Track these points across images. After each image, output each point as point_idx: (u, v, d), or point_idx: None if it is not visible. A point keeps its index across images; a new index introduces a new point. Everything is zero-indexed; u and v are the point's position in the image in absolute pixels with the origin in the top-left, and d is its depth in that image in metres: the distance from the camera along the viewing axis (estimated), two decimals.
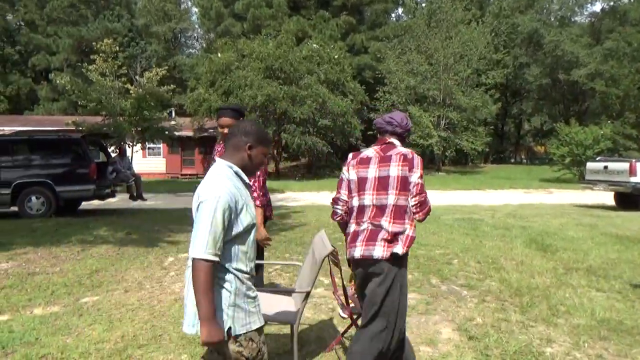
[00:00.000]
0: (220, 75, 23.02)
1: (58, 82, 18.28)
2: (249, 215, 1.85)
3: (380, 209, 2.35)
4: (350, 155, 2.56)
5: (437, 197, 12.70)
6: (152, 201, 12.02)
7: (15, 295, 4.26)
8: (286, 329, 3.36)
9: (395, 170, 2.36)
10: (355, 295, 3.07)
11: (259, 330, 1.90)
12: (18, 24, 41.45)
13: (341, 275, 2.91)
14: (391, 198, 2.34)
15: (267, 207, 3.46)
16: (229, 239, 1.80)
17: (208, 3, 35.64)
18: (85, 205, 10.90)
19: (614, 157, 14.49)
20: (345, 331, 3.22)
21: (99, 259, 5.68)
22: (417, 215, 2.37)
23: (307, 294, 2.72)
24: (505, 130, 43.03)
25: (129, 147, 17.03)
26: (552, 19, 36.49)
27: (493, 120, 31.79)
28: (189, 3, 45.90)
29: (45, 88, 38.22)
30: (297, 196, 14.34)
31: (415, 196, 2.35)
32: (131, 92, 17.05)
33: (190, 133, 25.10)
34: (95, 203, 11.02)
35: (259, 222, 3.15)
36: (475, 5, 31.94)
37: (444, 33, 24.90)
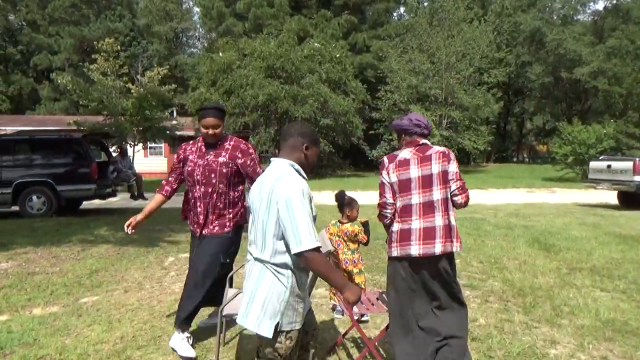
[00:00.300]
0: (221, 75, 22.99)
1: (59, 81, 18.18)
2: (313, 208, 1.95)
3: (429, 206, 2.46)
4: (386, 160, 2.61)
5: None
6: None
7: (14, 295, 4.24)
8: None
9: (436, 167, 2.48)
10: (377, 297, 3.06)
11: (299, 331, 1.95)
12: (20, 23, 41.51)
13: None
14: (436, 193, 2.47)
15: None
16: None
17: (209, 3, 35.64)
18: (86, 204, 10.89)
19: (617, 155, 14.39)
20: (346, 332, 3.19)
21: (99, 258, 5.66)
22: (458, 198, 2.50)
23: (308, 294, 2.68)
24: (508, 129, 42.94)
25: (131, 146, 16.98)
26: (555, 18, 36.38)
27: (495, 119, 31.65)
28: (191, 3, 46.00)
29: (46, 88, 38.29)
30: None
31: (456, 181, 2.50)
32: (132, 91, 16.99)
33: (191, 132, 25.02)
34: (96, 202, 11.01)
35: None
36: (478, 3, 31.82)
37: (446, 32, 24.80)
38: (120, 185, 10.82)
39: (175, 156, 3.25)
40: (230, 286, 3.14)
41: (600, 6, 61.64)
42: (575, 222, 8.63)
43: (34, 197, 9.19)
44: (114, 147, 14.27)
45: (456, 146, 24.80)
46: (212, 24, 36.57)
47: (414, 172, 2.50)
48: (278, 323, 1.85)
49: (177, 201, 3.57)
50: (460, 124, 24.73)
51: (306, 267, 1.86)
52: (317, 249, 1.81)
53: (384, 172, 2.57)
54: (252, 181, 3.08)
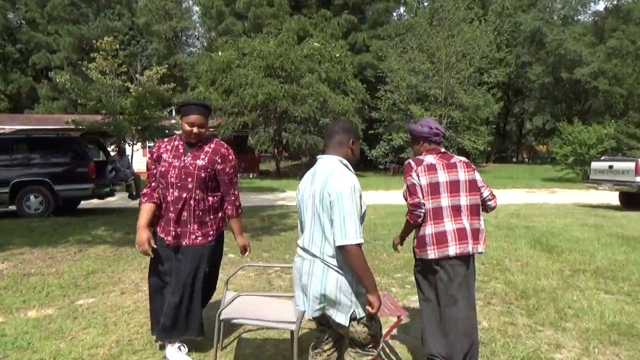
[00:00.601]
0: (220, 74, 22.92)
1: (58, 80, 18.15)
2: (363, 204, 2.03)
3: (457, 209, 2.61)
4: (412, 163, 2.69)
5: None
6: None
7: (9, 297, 4.17)
8: (286, 334, 3.27)
9: (463, 175, 2.65)
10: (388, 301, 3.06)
11: None
12: (19, 22, 41.41)
13: None
14: (463, 199, 2.62)
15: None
16: None
17: (209, 2, 35.54)
18: (84, 204, 10.82)
19: (618, 156, 14.34)
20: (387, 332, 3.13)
21: (95, 259, 5.59)
22: (492, 203, 2.73)
23: None
24: (507, 130, 42.91)
25: (129, 146, 16.92)
26: (555, 18, 36.31)
27: (495, 119, 31.58)
28: (190, 2, 45.95)
29: (45, 86, 38.18)
30: None
31: (487, 187, 2.73)
32: (131, 90, 16.93)
33: None
34: (94, 202, 10.93)
35: (237, 230, 3.07)
36: (478, 4, 31.71)
37: (446, 32, 24.71)
38: (119, 185, 10.75)
39: (149, 155, 2.96)
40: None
41: (600, 6, 61.72)
42: (576, 223, 8.56)
43: (32, 197, 9.11)
44: (112, 147, 14.20)
45: (456, 146, 24.75)
46: (212, 23, 36.48)
47: (442, 176, 2.63)
48: (354, 312, 1.99)
49: None
50: (460, 124, 24.65)
51: (345, 261, 1.94)
52: (360, 246, 1.90)
53: (413, 174, 2.65)
54: (225, 192, 2.94)
